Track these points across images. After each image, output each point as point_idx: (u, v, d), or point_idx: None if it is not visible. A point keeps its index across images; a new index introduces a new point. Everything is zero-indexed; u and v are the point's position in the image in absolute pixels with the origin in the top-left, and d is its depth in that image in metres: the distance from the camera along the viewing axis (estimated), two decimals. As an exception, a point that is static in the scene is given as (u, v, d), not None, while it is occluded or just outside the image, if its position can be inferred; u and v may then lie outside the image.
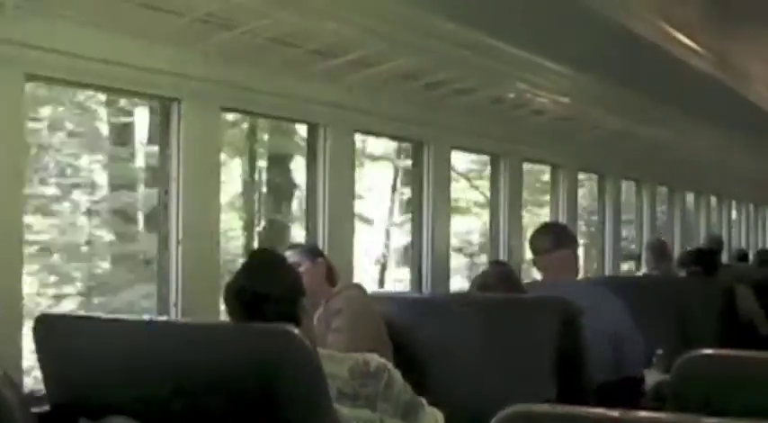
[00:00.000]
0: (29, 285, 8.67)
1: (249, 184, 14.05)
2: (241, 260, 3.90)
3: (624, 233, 11.95)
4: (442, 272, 7.46)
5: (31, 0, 4.28)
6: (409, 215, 19.93)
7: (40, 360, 3.87)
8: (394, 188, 17.76)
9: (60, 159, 11.13)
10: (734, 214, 16.37)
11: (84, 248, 11.74)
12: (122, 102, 11.58)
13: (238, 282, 3.62)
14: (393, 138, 8.31)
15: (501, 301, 5.26)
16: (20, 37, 4.28)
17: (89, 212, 12.00)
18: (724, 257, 12.82)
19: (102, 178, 12.22)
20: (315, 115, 6.19)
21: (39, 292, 10.41)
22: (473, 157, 14.32)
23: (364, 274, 14.29)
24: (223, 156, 12.63)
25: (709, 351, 3.10)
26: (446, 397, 4.26)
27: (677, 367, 3.02)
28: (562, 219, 9.34)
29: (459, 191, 16.67)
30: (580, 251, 6.55)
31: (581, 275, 7.20)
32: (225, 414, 3.48)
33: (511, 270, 6.13)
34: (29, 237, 6.38)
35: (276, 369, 3.38)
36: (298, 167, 16.77)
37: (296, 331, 3.35)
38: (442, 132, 7.39)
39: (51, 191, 10.93)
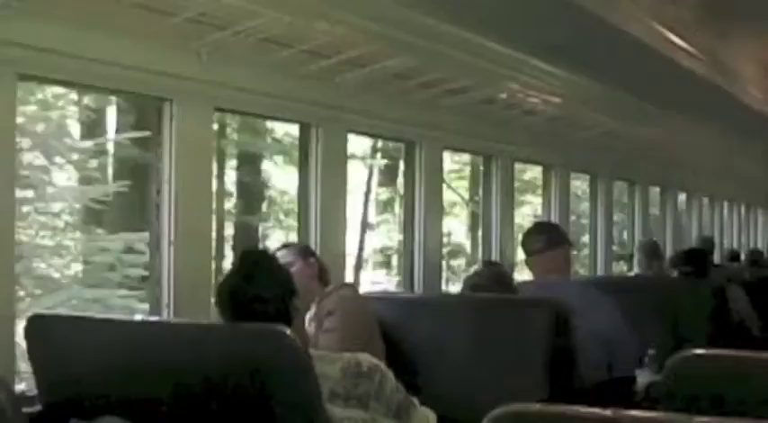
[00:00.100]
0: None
1: (217, 184, 13.69)
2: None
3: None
4: (434, 272, 7.46)
5: (23, 0, 4.27)
6: (385, 216, 19.81)
7: (31, 360, 3.87)
8: (368, 189, 17.55)
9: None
10: (726, 215, 16.38)
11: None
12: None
13: (230, 282, 3.62)
14: (385, 138, 8.31)
15: (493, 301, 5.27)
16: (12, 37, 4.28)
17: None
18: (716, 258, 12.84)
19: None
20: (307, 115, 6.19)
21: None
22: (455, 157, 14.24)
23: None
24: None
25: (700, 351, 3.10)
26: (438, 397, 4.27)
27: (669, 367, 3.02)
28: (554, 219, 9.34)
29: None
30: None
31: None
32: (217, 414, 3.48)
33: (503, 270, 6.13)
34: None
35: (268, 369, 3.38)
36: (270, 167, 16.66)
37: (287, 331, 3.35)
38: (435, 132, 7.40)
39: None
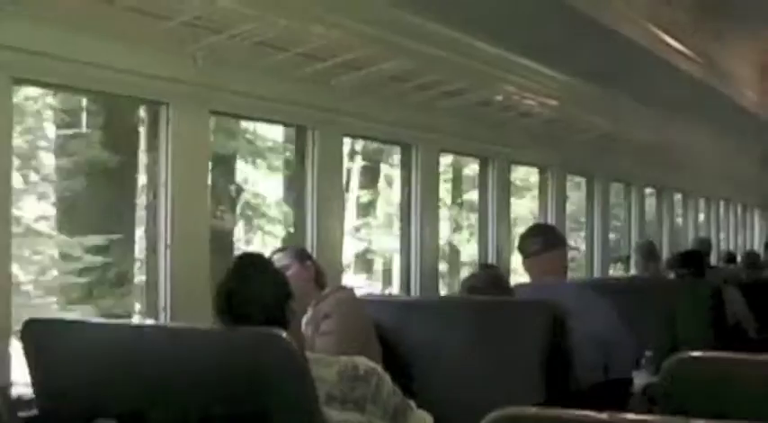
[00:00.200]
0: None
1: None
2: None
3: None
4: (431, 274, 7.46)
5: (17, 3, 4.27)
6: (366, 220, 19.64)
7: (27, 364, 3.86)
8: (346, 191, 17.29)
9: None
10: (722, 216, 16.40)
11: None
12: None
13: (226, 286, 3.62)
14: (381, 141, 8.32)
15: (490, 303, 5.26)
16: (6, 40, 4.28)
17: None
18: (712, 259, 12.85)
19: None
20: (303, 118, 6.19)
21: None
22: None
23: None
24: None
25: (697, 353, 3.10)
26: (435, 400, 4.26)
27: (666, 369, 3.02)
28: (551, 221, 9.34)
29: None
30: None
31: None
32: (214, 418, 3.47)
33: (500, 273, 6.13)
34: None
35: (264, 372, 3.37)
36: (243, 168, 16.49)
37: (284, 335, 3.35)
38: (431, 135, 7.40)
39: None
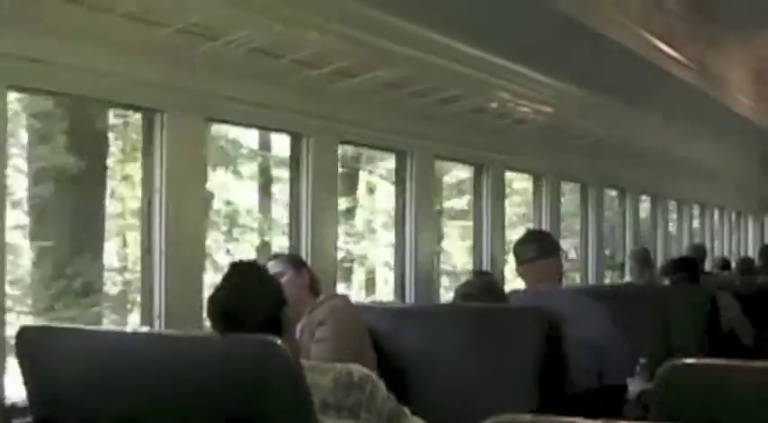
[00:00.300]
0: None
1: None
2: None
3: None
4: (426, 281, 7.46)
5: (13, 10, 4.27)
6: (344, 227, 19.40)
7: (22, 372, 3.86)
8: None
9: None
10: (716, 222, 16.41)
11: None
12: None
13: (220, 293, 3.62)
14: (376, 147, 8.32)
15: (484, 310, 5.26)
16: (2, 48, 4.28)
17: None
18: (707, 266, 12.85)
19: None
20: (298, 125, 6.20)
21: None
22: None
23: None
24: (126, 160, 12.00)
25: (691, 360, 3.10)
26: (430, 406, 4.26)
27: (660, 376, 3.02)
28: (545, 228, 9.34)
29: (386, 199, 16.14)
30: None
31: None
32: (208, 425, 3.47)
33: (494, 280, 6.13)
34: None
35: (259, 380, 3.37)
36: (214, 175, 16.29)
37: (278, 342, 3.34)
38: (426, 142, 7.40)
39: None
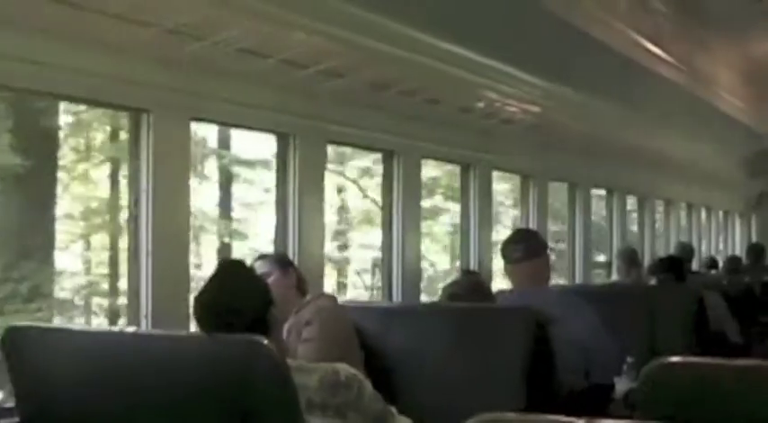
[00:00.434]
0: None
1: (112, 194, 12.01)
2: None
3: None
4: (413, 281, 7.46)
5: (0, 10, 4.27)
6: None
7: (9, 372, 3.85)
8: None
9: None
10: (704, 222, 16.44)
11: None
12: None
13: (207, 293, 3.62)
14: (363, 147, 8.32)
15: (471, 310, 5.26)
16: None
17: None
18: (694, 265, 12.88)
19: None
20: (285, 125, 6.20)
21: None
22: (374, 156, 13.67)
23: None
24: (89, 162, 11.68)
25: (676, 358, 3.10)
26: (416, 406, 4.27)
27: (644, 375, 3.02)
28: (533, 227, 9.35)
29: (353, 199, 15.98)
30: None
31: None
32: (195, 425, 3.47)
33: (481, 279, 6.13)
34: None
35: (246, 380, 3.37)
36: None
37: (265, 342, 3.35)
38: (413, 142, 7.41)
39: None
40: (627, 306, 6.74)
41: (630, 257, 10.33)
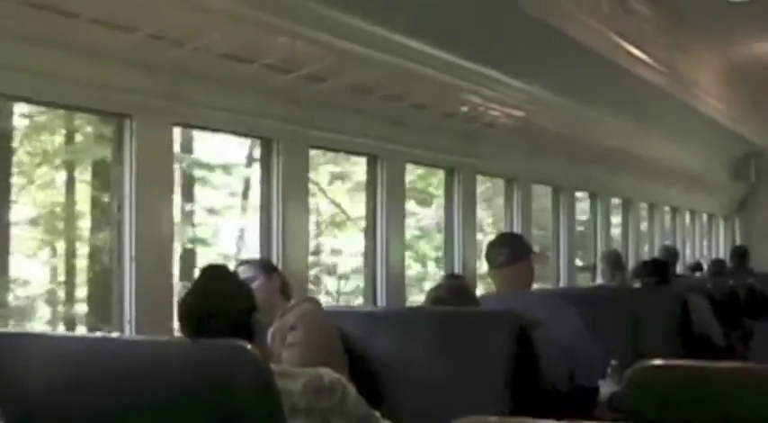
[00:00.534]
0: None
1: (68, 199, 11.64)
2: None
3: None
4: (397, 285, 7.46)
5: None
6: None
7: (-8, 378, 3.84)
8: (245, 200, 15.08)
9: None
10: (687, 225, 16.46)
11: None
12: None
13: (190, 298, 3.61)
14: (347, 152, 8.32)
15: (454, 314, 5.26)
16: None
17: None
18: (678, 268, 12.90)
19: None
20: (268, 130, 6.19)
21: None
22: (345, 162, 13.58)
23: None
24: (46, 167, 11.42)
25: (659, 361, 3.10)
26: (400, 410, 4.27)
27: (627, 377, 3.02)
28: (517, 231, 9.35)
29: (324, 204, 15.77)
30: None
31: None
32: (178, 431, 3.46)
33: (465, 283, 6.13)
34: None
35: (229, 385, 3.37)
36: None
37: (248, 347, 3.34)
38: (397, 146, 7.41)
39: None
40: (611, 309, 6.75)
41: (615, 260, 10.35)
